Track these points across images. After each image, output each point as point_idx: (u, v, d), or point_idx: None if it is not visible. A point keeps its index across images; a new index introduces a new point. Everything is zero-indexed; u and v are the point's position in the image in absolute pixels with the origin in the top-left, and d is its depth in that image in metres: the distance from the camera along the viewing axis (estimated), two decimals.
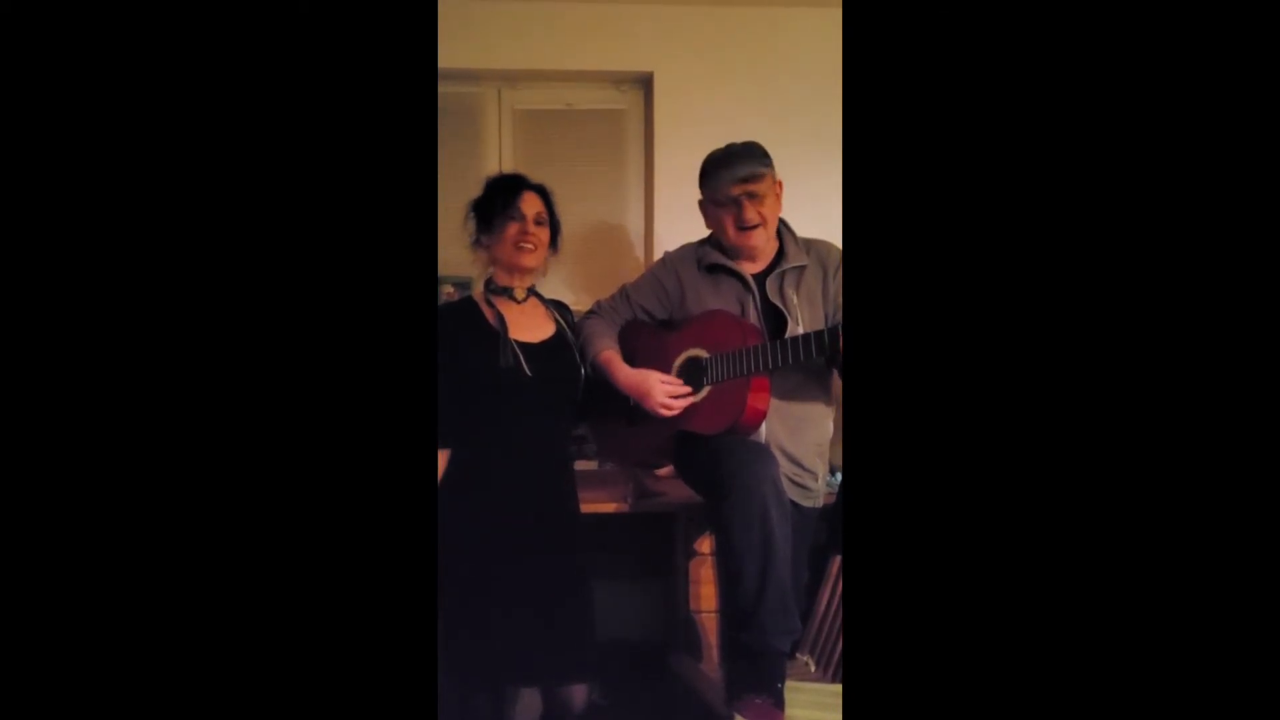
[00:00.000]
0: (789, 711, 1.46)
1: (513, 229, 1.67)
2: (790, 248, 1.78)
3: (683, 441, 1.75)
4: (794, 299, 1.72)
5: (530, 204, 1.70)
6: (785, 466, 1.68)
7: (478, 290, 1.78)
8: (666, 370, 1.78)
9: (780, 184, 1.77)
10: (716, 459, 1.59)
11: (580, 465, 2.29)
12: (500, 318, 1.67)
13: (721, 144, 1.78)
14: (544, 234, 1.71)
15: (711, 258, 1.79)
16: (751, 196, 1.71)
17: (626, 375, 1.74)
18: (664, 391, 1.69)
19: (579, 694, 1.63)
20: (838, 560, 1.68)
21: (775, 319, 1.72)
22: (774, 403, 1.66)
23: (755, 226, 1.72)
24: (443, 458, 1.61)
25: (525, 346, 1.66)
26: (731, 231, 1.74)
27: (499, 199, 1.69)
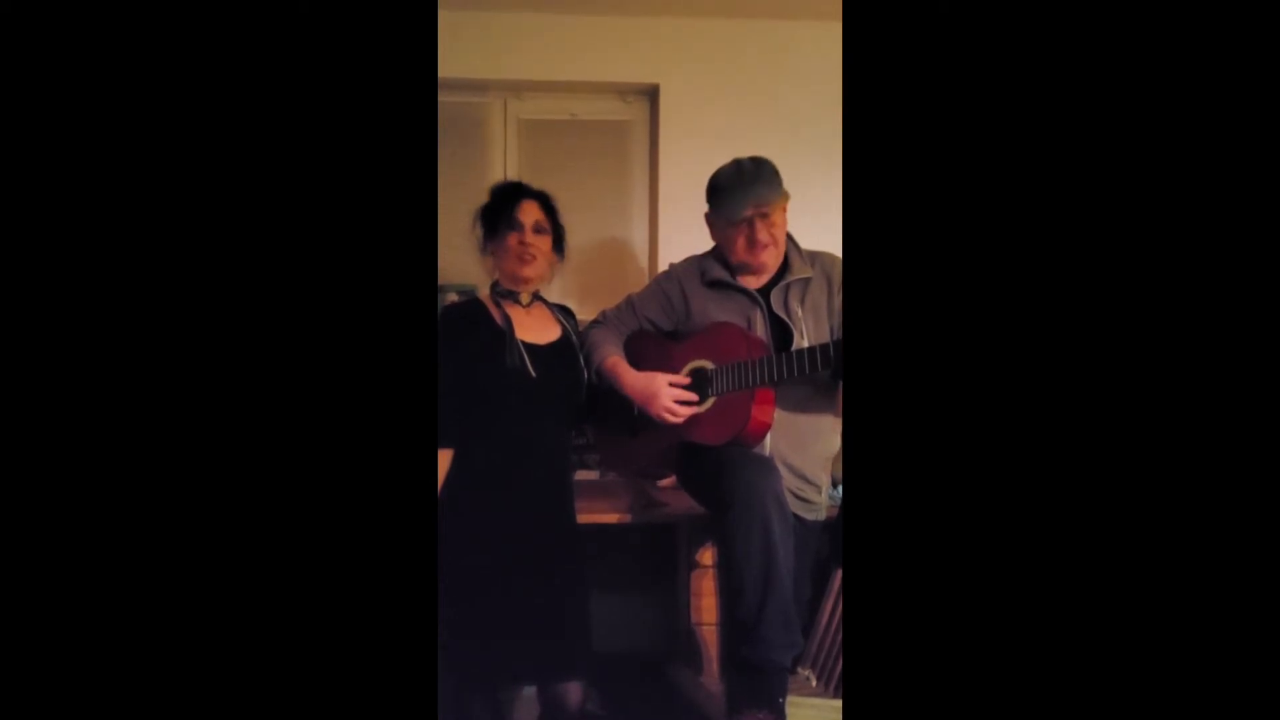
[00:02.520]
0: None
1: (512, 240, 1.68)
2: (795, 260, 1.78)
3: (686, 452, 1.74)
4: (799, 312, 1.72)
5: (528, 213, 1.69)
6: (789, 480, 1.67)
7: (484, 292, 1.78)
8: None
9: (787, 199, 1.77)
10: (720, 471, 1.59)
11: (582, 475, 2.29)
12: (507, 318, 1.68)
13: (728, 157, 1.78)
14: (544, 242, 1.71)
15: (715, 273, 1.79)
16: (764, 217, 1.71)
17: (633, 379, 1.74)
18: (671, 394, 1.69)
19: (574, 693, 1.63)
20: (840, 574, 1.67)
21: (781, 331, 1.72)
22: (779, 415, 1.66)
23: (767, 246, 1.72)
24: (447, 457, 1.61)
25: (531, 348, 1.66)
26: (742, 250, 1.73)
27: (501, 208, 1.70)
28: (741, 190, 1.70)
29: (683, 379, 1.73)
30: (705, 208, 1.81)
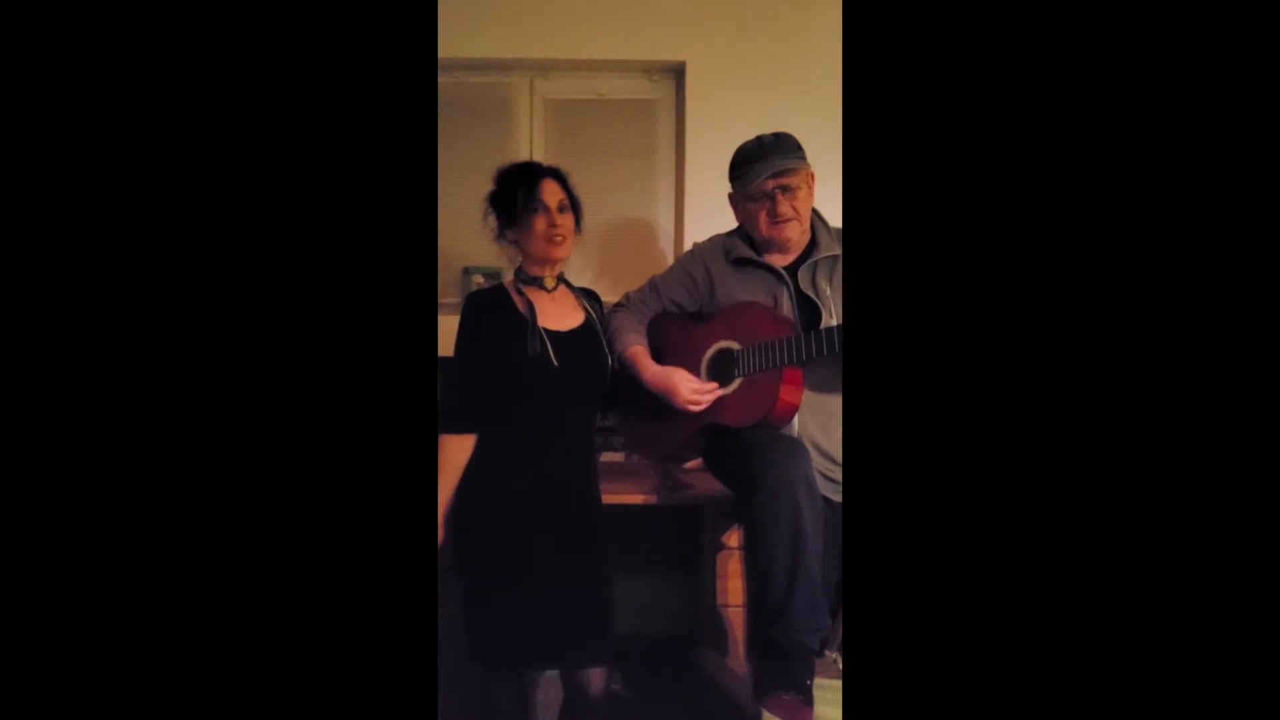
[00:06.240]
0: (817, 709, 1.44)
1: (540, 222, 1.65)
2: (823, 238, 1.75)
3: (712, 435, 1.73)
4: (827, 290, 1.69)
5: (551, 193, 1.67)
6: (817, 461, 1.65)
7: (508, 279, 1.77)
8: (696, 362, 1.76)
9: (813, 175, 1.74)
10: (747, 453, 1.57)
11: (608, 457, 2.28)
12: (530, 306, 1.67)
13: (753, 135, 1.75)
14: (570, 221, 1.69)
15: (739, 252, 1.77)
16: (785, 190, 1.68)
17: (653, 373, 1.72)
18: (690, 388, 1.67)
19: (597, 678, 1.63)
20: None
21: (809, 310, 1.69)
22: (807, 395, 1.64)
23: (789, 220, 1.69)
24: (470, 442, 1.61)
25: (554, 335, 1.65)
26: (764, 225, 1.71)
27: (519, 191, 1.66)
28: (761, 161, 1.68)
29: (700, 379, 1.71)
30: (730, 188, 1.79)
